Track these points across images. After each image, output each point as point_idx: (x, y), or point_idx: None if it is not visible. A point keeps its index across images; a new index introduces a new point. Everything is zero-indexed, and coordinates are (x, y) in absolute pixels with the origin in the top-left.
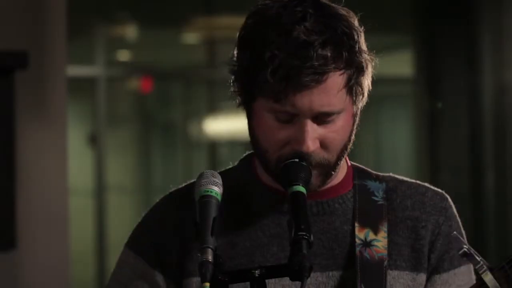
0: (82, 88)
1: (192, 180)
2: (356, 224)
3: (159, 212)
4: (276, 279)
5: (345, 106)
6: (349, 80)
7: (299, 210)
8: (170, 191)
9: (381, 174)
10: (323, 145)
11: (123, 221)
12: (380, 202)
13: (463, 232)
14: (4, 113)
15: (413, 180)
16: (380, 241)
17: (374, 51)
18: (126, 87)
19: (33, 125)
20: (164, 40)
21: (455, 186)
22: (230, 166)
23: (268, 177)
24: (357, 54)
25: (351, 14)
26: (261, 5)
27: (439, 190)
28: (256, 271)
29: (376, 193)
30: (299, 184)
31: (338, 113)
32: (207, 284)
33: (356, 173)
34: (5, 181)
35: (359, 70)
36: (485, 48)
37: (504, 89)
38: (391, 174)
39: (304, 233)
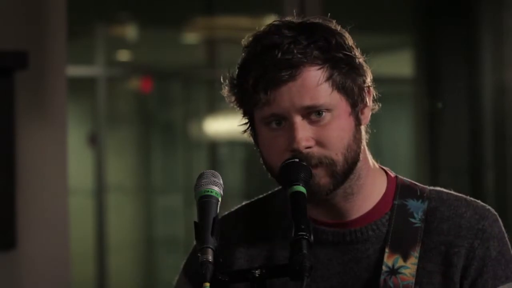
0: (82, 88)
1: (244, 203)
2: (387, 250)
3: None
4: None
5: (335, 103)
6: (330, 75)
7: (299, 210)
8: (223, 214)
9: (428, 189)
10: (320, 143)
11: (123, 221)
12: (417, 225)
13: (508, 249)
14: (4, 113)
15: (458, 197)
16: (409, 268)
17: (365, 53)
18: (126, 87)
19: (33, 125)
20: (164, 40)
21: (455, 186)
22: (276, 189)
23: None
24: (336, 51)
25: (335, 25)
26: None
27: (482, 206)
28: (256, 271)
29: (415, 214)
30: (299, 184)
31: (328, 110)
32: (207, 284)
33: (399, 190)
34: (5, 181)
35: (342, 66)
36: (485, 48)
37: (504, 89)
38: (439, 188)
39: (304, 233)
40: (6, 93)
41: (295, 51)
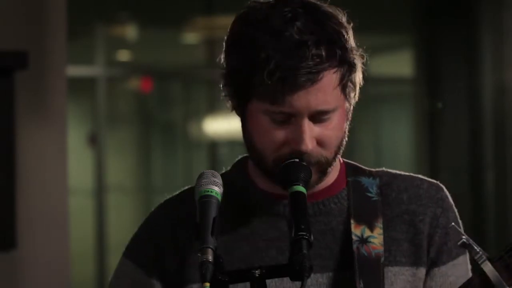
0: (82, 88)
1: (186, 187)
2: (352, 221)
3: (155, 221)
4: (278, 281)
5: (340, 103)
6: (342, 77)
7: (299, 210)
8: (166, 199)
9: (374, 170)
10: (320, 143)
11: (123, 221)
12: (374, 198)
13: (460, 221)
14: (4, 113)
15: (407, 173)
16: (376, 238)
17: (364, 47)
18: (126, 87)
19: (33, 125)
20: (164, 40)
21: (455, 186)
22: (223, 171)
23: (263, 181)
24: (349, 51)
25: (339, 11)
26: (247, 7)
27: (434, 181)
28: (256, 271)
29: (370, 189)
30: (299, 184)
31: (334, 111)
32: (207, 284)
33: (350, 170)
34: (5, 181)
35: (351, 67)
36: (485, 48)
37: (504, 89)
38: (384, 169)
39: (304, 233)
40: (6, 93)
41: (323, 54)
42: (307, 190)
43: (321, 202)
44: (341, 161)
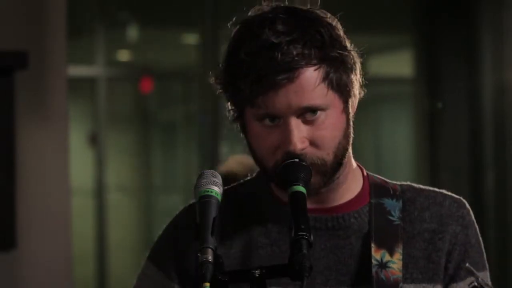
0: (82, 88)
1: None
2: (373, 245)
3: (179, 225)
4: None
5: (330, 102)
6: (326, 74)
7: (299, 210)
8: (190, 203)
9: (398, 186)
10: (314, 144)
11: (123, 221)
12: (396, 223)
13: (481, 239)
14: (4, 113)
15: (431, 189)
16: (396, 263)
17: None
18: (126, 87)
19: (33, 125)
20: (164, 40)
21: (455, 186)
22: (248, 178)
23: (281, 191)
24: (331, 49)
25: (326, 14)
26: (246, 17)
27: (457, 197)
28: (256, 271)
29: (392, 213)
30: (299, 184)
31: (323, 109)
32: (207, 284)
33: (373, 189)
34: (5, 181)
35: (337, 65)
36: (485, 48)
37: (504, 89)
38: (408, 183)
39: (304, 233)
40: (6, 93)
41: (294, 52)
42: (307, 191)
43: (341, 217)
44: (365, 173)
